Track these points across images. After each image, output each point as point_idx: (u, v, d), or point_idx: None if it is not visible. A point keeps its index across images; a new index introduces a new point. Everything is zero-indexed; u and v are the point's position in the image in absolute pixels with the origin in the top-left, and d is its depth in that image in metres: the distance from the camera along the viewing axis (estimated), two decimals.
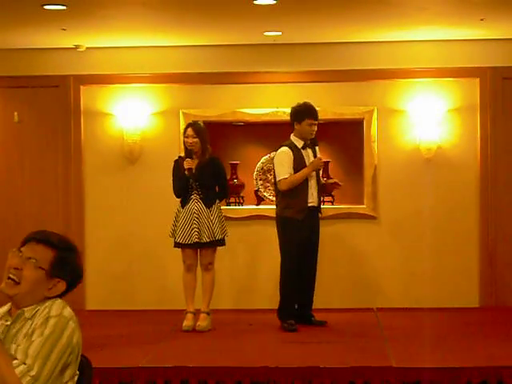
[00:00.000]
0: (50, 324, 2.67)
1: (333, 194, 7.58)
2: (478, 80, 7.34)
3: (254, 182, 7.64)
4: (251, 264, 7.43)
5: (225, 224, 6.41)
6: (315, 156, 6.44)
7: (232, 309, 7.26)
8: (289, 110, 6.48)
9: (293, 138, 6.39)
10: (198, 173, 6.32)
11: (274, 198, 6.68)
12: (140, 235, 7.50)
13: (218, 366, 5.15)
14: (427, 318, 6.75)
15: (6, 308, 2.81)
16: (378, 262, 7.40)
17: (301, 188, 6.30)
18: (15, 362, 2.59)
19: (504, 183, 7.34)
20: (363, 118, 7.42)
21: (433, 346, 5.66)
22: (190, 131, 6.34)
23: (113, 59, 7.49)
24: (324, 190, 6.79)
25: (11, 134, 7.60)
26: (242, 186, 7.72)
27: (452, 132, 7.39)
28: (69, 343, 2.69)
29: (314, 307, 6.56)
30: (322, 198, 7.48)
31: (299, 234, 6.28)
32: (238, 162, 7.75)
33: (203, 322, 6.33)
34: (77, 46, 7.22)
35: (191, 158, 6.34)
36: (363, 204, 7.48)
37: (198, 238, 6.27)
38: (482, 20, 6.43)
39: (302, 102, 6.42)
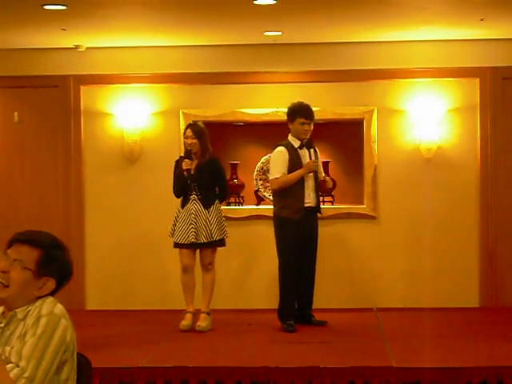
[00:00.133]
0: (41, 323, 2.66)
1: (333, 193, 7.59)
2: (477, 80, 7.34)
3: (254, 182, 7.64)
4: (251, 264, 7.43)
5: (224, 225, 6.41)
6: (316, 157, 6.44)
7: (232, 309, 7.25)
8: None
9: (290, 137, 6.41)
10: (196, 173, 6.33)
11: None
12: (140, 235, 7.50)
13: (218, 366, 5.15)
14: (427, 318, 6.75)
15: None
16: (378, 262, 7.40)
17: (296, 188, 6.30)
18: (9, 365, 2.59)
19: (504, 183, 7.34)
20: (363, 118, 7.42)
21: (433, 345, 5.66)
22: (188, 132, 6.36)
23: (113, 59, 7.49)
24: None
25: (11, 134, 7.60)
26: (241, 186, 7.72)
27: (452, 132, 7.39)
28: (62, 341, 2.69)
29: (314, 307, 6.56)
30: (321, 199, 7.52)
31: (296, 234, 6.28)
32: (238, 161, 7.75)
33: (203, 322, 6.33)
34: (77, 46, 7.22)
35: (190, 158, 6.35)
36: (363, 204, 7.48)
37: (195, 239, 6.28)
38: (482, 20, 6.43)
39: (296, 101, 6.43)
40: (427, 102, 7.33)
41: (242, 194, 7.73)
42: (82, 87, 7.52)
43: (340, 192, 7.71)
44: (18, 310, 2.74)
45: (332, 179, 7.39)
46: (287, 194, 6.33)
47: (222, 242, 6.42)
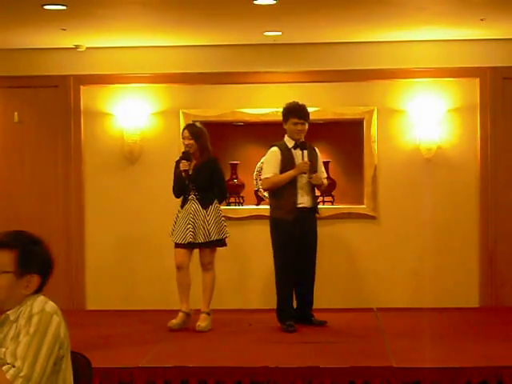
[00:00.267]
0: (33, 322, 2.67)
1: (333, 193, 7.59)
2: (477, 80, 7.34)
3: (254, 182, 7.64)
4: (251, 264, 7.43)
5: (224, 225, 6.40)
6: (315, 157, 6.41)
7: (232, 309, 7.25)
8: None
9: (285, 137, 6.42)
10: (194, 174, 6.35)
11: None
12: (140, 235, 7.51)
13: (218, 366, 5.15)
14: (427, 318, 6.74)
15: None
16: (378, 262, 7.40)
17: (288, 189, 6.29)
18: (5, 367, 2.59)
19: (504, 183, 7.34)
20: (363, 118, 7.42)
21: (433, 345, 5.66)
22: (185, 133, 6.39)
23: (113, 59, 7.49)
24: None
25: (11, 134, 7.60)
26: (241, 186, 7.73)
27: (452, 132, 7.39)
28: (56, 337, 2.69)
29: (314, 307, 6.55)
30: (321, 199, 7.52)
31: (289, 235, 6.27)
32: (238, 162, 7.76)
33: (203, 322, 6.33)
34: (77, 46, 7.22)
35: (188, 158, 6.36)
36: (363, 204, 7.48)
37: (193, 238, 6.29)
38: (482, 20, 6.43)
39: (291, 101, 6.42)
40: (427, 102, 7.33)
41: (242, 194, 7.74)
42: (81, 87, 7.52)
43: (340, 192, 7.71)
44: (9, 313, 2.74)
45: (332, 179, 7.41)
46: (279, 194, 6.34)
47: (220, 242, 6.42)
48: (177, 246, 6.39)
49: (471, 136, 7.38)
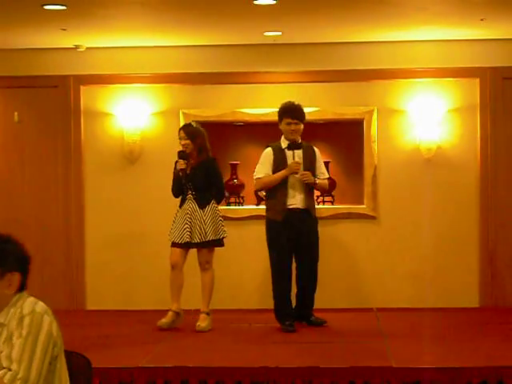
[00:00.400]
0: (25, 324, 2.67)
1: (333, 193, 7.59)
2: (477, 80, 7.34)
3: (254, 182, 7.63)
4: (251, 264, 7.43)
5: (221, 225, 6.38)
6: (314, 157, 6.39)
7: (232, 309, 7.25)
8: None
9: (282, 138, 6.41)
10: (191, 173, 6.36)
11: None
12: (140, 235, 7.51)
13: (218, 366, 5.15)
14: (427, 318, 6.74)
15: None
16: (378, 262, 7.40)
17: (279, 189, 6.28)
18: (1, 371, 2.59)
19: (504, 183, 7.34)
20: (363, 118, 7.42)
21: (433, 345, 5.66)
22: (181, 133, 6.41)
23: (113, 59, 7.49)
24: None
25: (11, 134, 7.60)
26: (241, 186, 7.73)
27: (452, 132, 7.39)
28: (49, 337, 2.69)
29: (314, 307, 6.53)
30: (321, 199, 7.52)
31: (280, 235, 6.27)
32: (238, 162, 7.75)
33: (203, 322, 6.33)
34: (77, 46, 7.22)
35: (184, 158, 6.36)
36: (363, 204, 7.48)
37: (190, 238, 6.30)
38: (482, 20, 6.43)
39: (286, 101, 6.41)
40: (427, 102, 7.33)
41: (241, 194, 7.74)
42: (82, 87, 7.53)
43: (340, 192, 7.71)
44: None
45: (332, 179, 7.39)
46: (272, 195, 6.35)
47: (217, 242, 6.40)
48: (173, 245, 6.40)
49: (471, 136, 7.38)
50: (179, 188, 6.43)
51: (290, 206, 6.29)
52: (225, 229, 6.41)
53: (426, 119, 7.33)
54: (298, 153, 6.31)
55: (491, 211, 7.34)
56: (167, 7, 5.97)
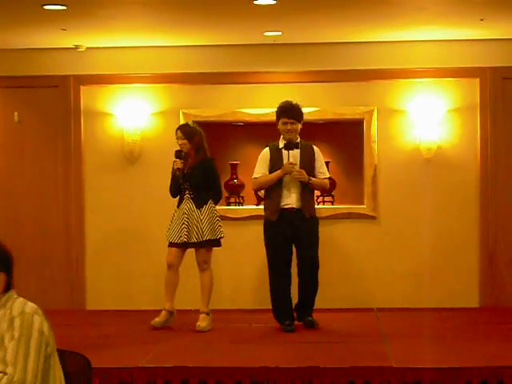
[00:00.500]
0: (16, 325, 2.67)
1: (333, 193, 7.59)
2: (477, 80, 7.34)
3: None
4: (251, 264, 7.42)
5: (218, 225, 6.37)
6: (313, 157, 6.38)
7: (231, 309, 7.25)
8: None
9: (280, 137, 6.41)
10: (188, 173, 6.36)
11: None
12: (140, 235, 7.51)
13: (218, 366, 5.15)
14: (427, 318, 6.74)
15: None
16: (378, 262, 7.40)
17: (274, 189, 6.28)
18: None
19: (504, 183, 7.34)
20: (363, 118, 7.42)
21: (433, 345, 5.66)
22: (178, 133, 6.42)
23: (113, 59, 7.49)
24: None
25: (11, 134, 7.60)
26: (241, 186, 7.72)
27: (452, 132, 7.39)
28: (41, 337, 2.69)
29: (314, 307, 6.52)
30: (321, 199, 7.51)
31: (275, 235, 6.27)
32: (237, 162, 7.75)
33: (203, 322, 6.33)
34: (77, 46, 7.22)
35: (181, 157, 6.38)
36: (363, 204, 7.48)
37: (187, 238, 6.30)
38: (482, 20, 6.43)
39: (283, 100, 6.40)
40: (427, 102, 7.33)
41: (241, 194, 7.73)
42: (82, 87, 7.53)
43: (340, 192, 7.71)
44: None
45: (332, 179, 7.38)
46: (268, 195, 6.37)
47: (214, 243, 6.39)
48: (170, 244, 6.40)
49: (471, 136, 7.38)
50: (177, 188, 6.43)
51: (285, 206, 6.28)
52: (222, 229, 6.41)
53: (426, 119, 7.33)
54: (294, 153, 6.29)
55: (491, 211, 7.34)
56: (167, 7, 5.98)
